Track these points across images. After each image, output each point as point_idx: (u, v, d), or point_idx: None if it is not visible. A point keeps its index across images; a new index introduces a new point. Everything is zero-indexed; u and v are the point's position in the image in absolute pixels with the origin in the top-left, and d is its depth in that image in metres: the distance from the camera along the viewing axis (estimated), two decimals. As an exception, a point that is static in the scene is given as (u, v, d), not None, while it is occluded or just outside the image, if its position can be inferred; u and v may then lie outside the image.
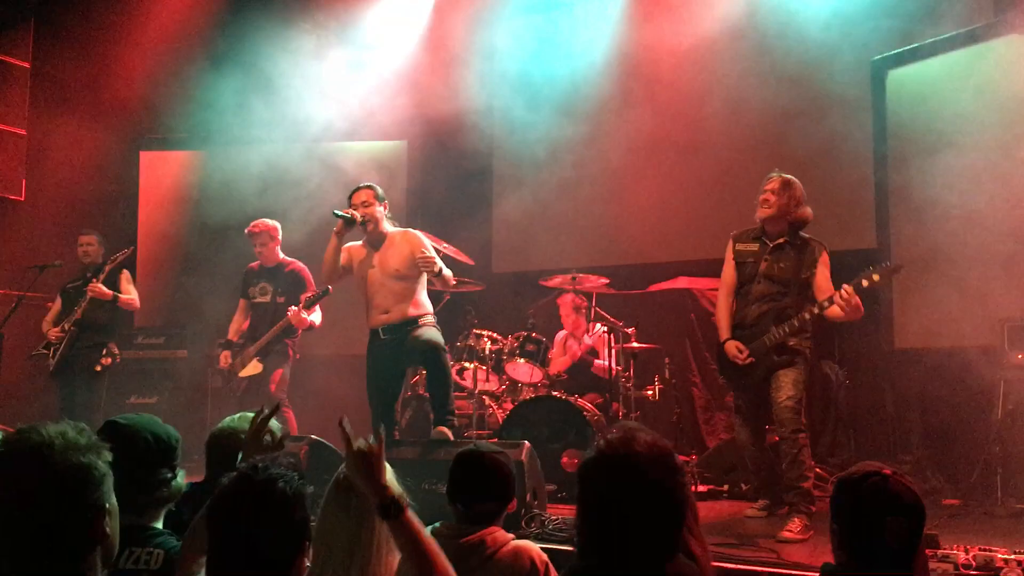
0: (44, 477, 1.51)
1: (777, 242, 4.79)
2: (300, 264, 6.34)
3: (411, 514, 1.98)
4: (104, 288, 6.28)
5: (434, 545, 1.97)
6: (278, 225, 6.40)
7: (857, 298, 4.40)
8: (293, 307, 5.97)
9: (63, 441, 1.54)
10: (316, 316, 6.15)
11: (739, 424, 5.09)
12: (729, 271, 4.96)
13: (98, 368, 6.30)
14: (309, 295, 5.95)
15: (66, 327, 6.29)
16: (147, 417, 2.40)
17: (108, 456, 1.61)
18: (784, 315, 4.68)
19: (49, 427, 1.57)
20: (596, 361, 6.69)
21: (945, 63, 6.01)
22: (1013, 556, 3.44)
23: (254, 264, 6.42)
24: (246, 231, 6.34)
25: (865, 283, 4.40)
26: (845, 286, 4.41)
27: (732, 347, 4.79)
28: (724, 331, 4.91)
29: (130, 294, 6.49)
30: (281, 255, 6.38)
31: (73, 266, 6.61)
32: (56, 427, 1.57)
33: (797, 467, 4.53)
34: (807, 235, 4.80)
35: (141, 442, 2.27)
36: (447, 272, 5.19)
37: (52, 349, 6.32)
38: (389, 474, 2.06)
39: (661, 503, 1.71)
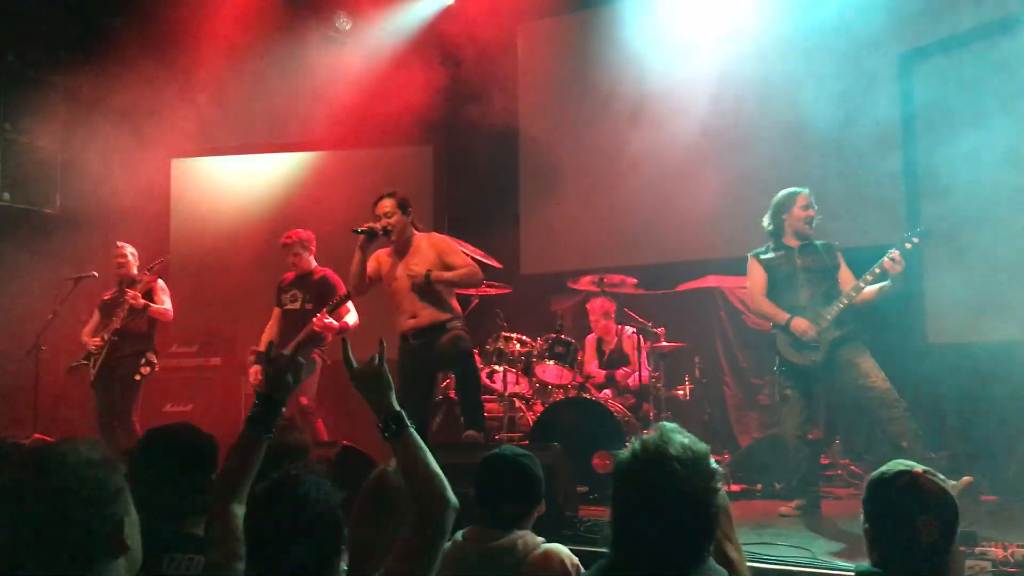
0: (58, 493, 1.55)
1: (800, 244, 5.10)
2: (330, 271, 6.30)
3: (411, 432, 2.03)
4: (140, 297, 6.33)
5: (433, 466, 1.99)
6: (311, 234, 6.39)
7: (903, 261, 4.64)
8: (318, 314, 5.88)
9: (76, 457, 1.59)
10: (350, 317, 6.04)
11: (786, 414, 5.10)
12: (759, 275, 5.16)
13: (137, 377, 6.33)
14: (333, 301, 5.85)
15: (105, 336, 6.34)
16: (184, 425, 2.44)
17: (123, 470, 1.66)
18: (832, 293, 4.95)
19: (63, 444, 1.62)
20: (622, 369, 6.70)
21: (978, 50, 5.93)
22: (1053, 553, 3.39)
23: (288, 274, 6.40)
24: (280, 242, 6.31)
25: (908, 246, 4.70)
26: (890, 251, 4.68)
27: (800, 322, 4.94)
28: (781, 315, 5.05)
29: (163, 304, 6.51)
30: (314, 263, 6.36)
31: (108, 277, 6.69)
32: (69, 444, 1.62)
33: (921, 438, 4.70)
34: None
35: (179, 450, 2.31)
36: (450, 275, 5.17)
37: (93, 359, 6.37)
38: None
39: (693, 508, 1.70)
